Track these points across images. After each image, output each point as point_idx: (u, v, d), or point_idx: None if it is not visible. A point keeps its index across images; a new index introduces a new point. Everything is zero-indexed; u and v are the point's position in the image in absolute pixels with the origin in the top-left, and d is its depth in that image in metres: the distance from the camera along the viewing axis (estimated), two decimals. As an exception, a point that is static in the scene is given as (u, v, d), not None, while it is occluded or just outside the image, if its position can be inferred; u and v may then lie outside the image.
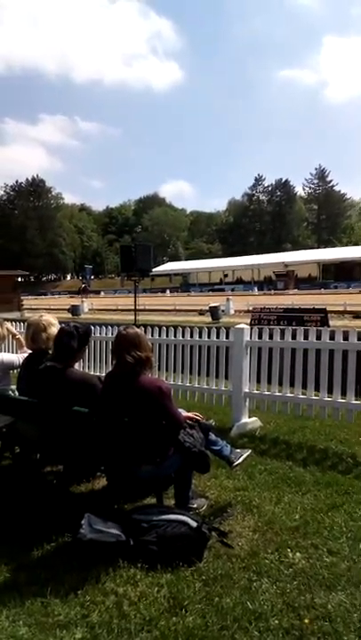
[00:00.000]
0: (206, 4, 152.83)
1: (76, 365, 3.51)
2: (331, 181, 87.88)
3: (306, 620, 2.13)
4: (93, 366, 6.92)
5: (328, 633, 2.06)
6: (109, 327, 6.82)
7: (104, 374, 3.68)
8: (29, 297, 45.14)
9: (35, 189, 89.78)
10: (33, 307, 28.94)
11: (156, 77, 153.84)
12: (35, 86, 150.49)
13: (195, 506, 3.20)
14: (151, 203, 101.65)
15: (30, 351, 3.84)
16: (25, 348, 4.09)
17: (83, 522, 2.66)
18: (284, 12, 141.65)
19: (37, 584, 2.43)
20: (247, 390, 5.20)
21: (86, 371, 6.62)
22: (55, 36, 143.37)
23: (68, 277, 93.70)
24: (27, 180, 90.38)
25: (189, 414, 3.29)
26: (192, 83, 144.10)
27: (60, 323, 3.69)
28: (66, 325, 3.40)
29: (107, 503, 3.28)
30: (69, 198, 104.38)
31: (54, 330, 3.60)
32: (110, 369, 3.28)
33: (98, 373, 6.36)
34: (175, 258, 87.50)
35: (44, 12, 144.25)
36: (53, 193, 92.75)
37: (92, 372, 6.54)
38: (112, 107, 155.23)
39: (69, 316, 21.81)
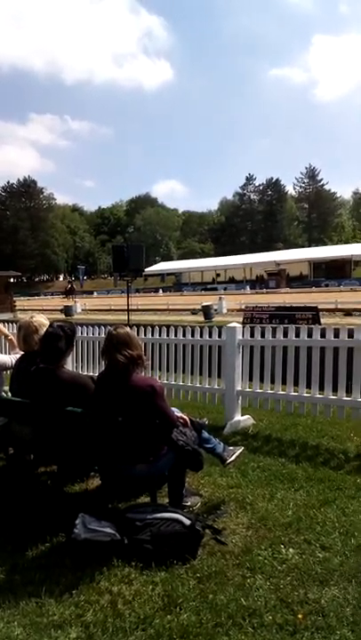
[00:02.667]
0: (197, 2, 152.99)
1: (69, 366, 3.51)
2: (321, 180, 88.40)
3: (299, 616, 2.15)
4: (86, 366, 6.91)
5: (321, 628, 2.08)
6: (102, 327, 6.81)
7: (97, 374, 3.67)
8: (22, 298, 44.96)
9: (26, 190, 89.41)
10: (26, 307, 28.84)
11: (146, 76, 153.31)
12: (23, 85, 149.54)
13: (189, 504, 3.21)
14: (143, 203, 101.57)
15: (22, 352, 3.83)
16: (17, 349, 4.08)
17: (77, 521, 2.66)
18: (274, 10, 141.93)
19: (32, 584, 2.43)
20: (240, 388, 5.22)
21: (79, 371, 6.62)
22: (43, 33, 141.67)
23: (61, 278, 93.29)
24: (18, 180, 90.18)
25: (182, 414, 3.30)
26: (183, 82, 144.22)
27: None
28: (50, 327, 3.38)
29: (101, 503, 3.28)
30: (61, 199, 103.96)
31: None
32: (103, 369, 3.28)
33: (90, 373, 6.35)
34: (168, 257, 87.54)
35: (31, 10, 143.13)
36: (45, 193, 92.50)
37: (84, 373, 6.53)
38: (103, 106, 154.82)
39: (62, 316, 21.72)
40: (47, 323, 3.69)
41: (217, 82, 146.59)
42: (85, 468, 3.66)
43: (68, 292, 42.85)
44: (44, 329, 3.57)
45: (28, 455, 3.89)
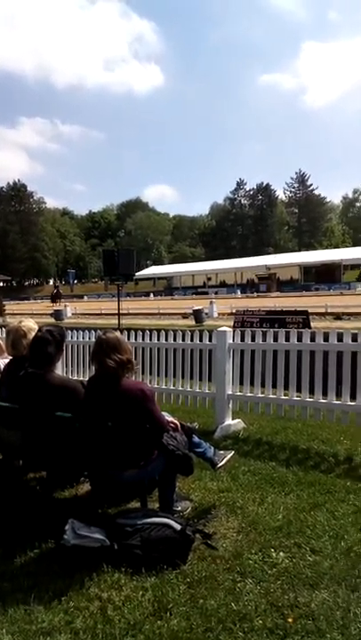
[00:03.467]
0: (188, 7, 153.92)
1: (59, 371, 3.49)
2: (311, 185, 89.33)
3: (290, 620, 2.14)
4: (77, 371, 6.88)
5: (312, 631, 2.08)
6: (92, 331, 6.79)
7: (86, 379, 3.66)
8: (12, 302, 44.62)
9: (16, 194, 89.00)
10: (15, 312, 28.61)
11: (137, 80, 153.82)
12: (13, 89, 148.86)
13: (179, 508, 3.20)
14: (134, 207, 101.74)
15: (11, 357, 3.80)
16: (5, 354, 4.05)
17: (66, 527, 2.64)
18: (265, 16, 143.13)
19: (20, 591, 2.40)
20: (230, 392, 5.23)
21: (69, 376, 6.58)
22: (33, 37, 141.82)
23: (51, 282, 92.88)
24: (8, 184, 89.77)
25: (172, 419, 3.29)
26: (174, 86, 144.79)
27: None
28: (39, 331, 3.36)
29: (91, 508, 3.26)
30: (51, 202, 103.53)
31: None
32: (92, 374, 3.27)
33: (80, 378, 6.33)
34: (159, 262, 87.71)
35: (22, 13, 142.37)
36: (35, 197, 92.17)
37: (74, 377, 6.50)
38: (93, 110, 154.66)
39: (52, 320, 21.62)
40: (36, 327, 3.67)
41: (208, 87, 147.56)
42: (75, 474, 3.63)
43: (55, 297, 40.48)
44: (33, 333, 3.55)
45: (16, 461, 3.85)
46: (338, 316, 18.13)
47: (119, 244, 77.64)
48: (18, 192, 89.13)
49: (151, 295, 52.43)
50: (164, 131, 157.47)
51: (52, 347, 3.23)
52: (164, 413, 3.20)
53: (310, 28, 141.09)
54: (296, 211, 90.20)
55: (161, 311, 25.62)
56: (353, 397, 4.48)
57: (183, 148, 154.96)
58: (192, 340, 5.73)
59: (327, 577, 2.46)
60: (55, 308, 27.25)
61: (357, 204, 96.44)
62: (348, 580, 2.43)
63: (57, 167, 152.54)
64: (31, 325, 3.73)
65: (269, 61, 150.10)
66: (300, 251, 75.67)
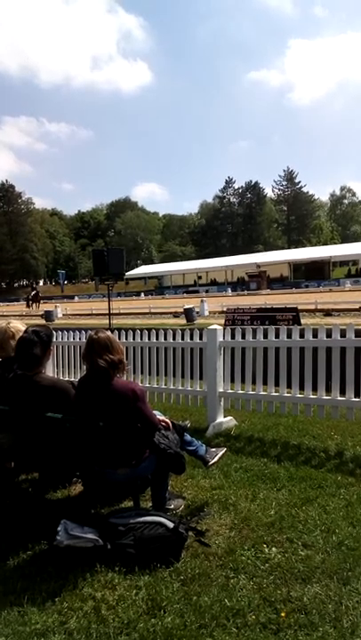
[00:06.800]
0: (176, 2, 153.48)
1: (50, 372, 3.47)
2: (299, 183, 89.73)
3: (282, 614, 2.16)
4: (67, 372, 6.86)
5: (304, 625, 2.10)
6: (82, 332, 6.77)
7: (77, 379, 3.65)
8: (1, 304, 44.29)
9: (4, 194, 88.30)
10: (5, 314, 28.42)
11: (125, 78, 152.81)
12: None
13: (172, 507, 3.21)
14: (123, 206, 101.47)
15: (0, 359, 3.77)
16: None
17: (59, 528, 2.64)
18: (252, 13, 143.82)
19: (14, 593, 2.40)
20: (222, 390, 5.25)
21: (59, 377, 6.56)
22: (16, 34, 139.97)
23: (41, 283, 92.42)
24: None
25: (164, 418, 3.30)
26: (162, 84, 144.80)
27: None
28: (25, 333, 3.34)
29: (83, 508, 3.25)
30: (40, 202, 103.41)
31: None
32: (84, 374, 3.26)
33: (72, 379, 6.31)
34: (149, 261, 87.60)
35: (3, 7, 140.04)
36: (24, 198, 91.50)
37: (65, 378, 6.48)
38: (80, 108, 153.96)
39: (43, 321, 21.49)
40: (24, 329, 3.65)
41: (195, 84, 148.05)
42: (67, 474, 3.62)
43: (33, 299, 36.32)
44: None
45: (8, 463, 3.84)
46: (327, 313, 18.24)
47: (109, 244, 77.32)
48: (6, 193, 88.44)
49: (142, 295, 52.34)
50: (153, 129, 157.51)
51: (37, 348, 3.21)
52: (155, 412, 3.20)
53: (297, 25, 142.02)
54: (285, 208, 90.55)
55: (152, 310, 25.60)
56: (342, 392, 4.52)
57: (172, 146, 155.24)
58: (183, 338, 5.73)
59: (319, 571, 2.49)
60: (46, 309, 27.04)
61: (345, 201, 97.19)
62: (339, 573, 2.46)
63: (45, 166, 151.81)
64: (19, 327, 3.71)
65: (256, 58, 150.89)
66: (289, 248, 76.10)
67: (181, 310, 19.75)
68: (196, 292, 48.84)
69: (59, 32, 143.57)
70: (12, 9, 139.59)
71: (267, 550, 2.69)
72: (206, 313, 21.00)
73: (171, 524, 2.69)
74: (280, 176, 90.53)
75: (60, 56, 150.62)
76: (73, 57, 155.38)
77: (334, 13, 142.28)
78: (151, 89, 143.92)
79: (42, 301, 38.37)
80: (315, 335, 4.74)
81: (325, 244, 76.70)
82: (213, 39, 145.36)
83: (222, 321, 13.88)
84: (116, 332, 6.10)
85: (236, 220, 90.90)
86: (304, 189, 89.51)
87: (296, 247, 75.42)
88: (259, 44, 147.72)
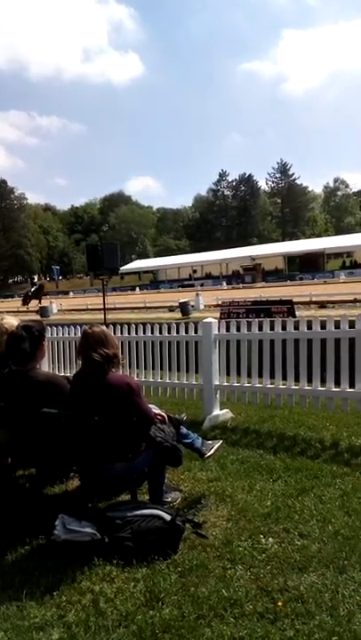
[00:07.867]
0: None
1: (45, 367, 3.46)
2: (293, 175, 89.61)
3: (279, 603, 2.18)
4: (63, 367, 6.84)
5: (301, 614, 2.11)
6: (77, 327, 6.75)
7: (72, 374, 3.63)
8: (-5, 300, 44.08)
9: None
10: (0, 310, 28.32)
11: (116, 70, 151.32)
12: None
13: (169, 499, 3.22)
14: (117, 200, 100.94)
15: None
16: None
17: (56, 523, 2.64)
18: (245, 3, 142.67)
19: (12, 588, 2.40)
20: (217, 383, 5.26)
21: (55, 372, 6.55)
22: (5, 25, 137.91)
23: (36, 278, 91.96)
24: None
25: (160, 411, 3.30)
26: (154, 76, 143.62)
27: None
28: (15, 329, 3.32)
29: (80, 503, 3.26)
30: (33, 198, 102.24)
31: None
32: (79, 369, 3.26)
33: (67, 374, 6.29)
34: (143, 255, 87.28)
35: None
36: (16, 193, 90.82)
37: (60, 373, 6.47)
38: (72, 102, 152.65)
39: (38, 317, 21.44)
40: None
41: (188, 76, 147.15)
42: (64, 469, 3.62)
43: (34, 295, 32.38)
44: (16, 331, 3.51)
45: (5, 459, 3.83)
46: (322, 305, 18.31)
47: (103, 239, 77.04)
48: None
49: (137, 289, 52.29)
50: (146, 121, 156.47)
51: (26, 343, 3.18)
52: (151, 406, 3.21)
53: (290, 15, 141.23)
54: (279, 201, 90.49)
55: (147, 305, 25.57)
56: (337, 383, 4.54)
57: (165, 138, 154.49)
58: (178, 332, 5.73)
59: (315, 560, 2.51)
60: (41, 305, 26.94)
61: (339, 193, 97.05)
62: (335, 562, 2.48)
63: (37, 161, 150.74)
64: (13, 322, 3.68)
65: (249, 49, 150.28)
66: (283, 241, 76.09)
67: (177, 304, 19.76)
68: (192, 285, 48.80)
69: (48, 23, 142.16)
70: (0, 1, 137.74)
71: (263, 541, 2.71)
72: (202, 306, 21.02)
73: (168, 517, 2.70)
74: (274, 168, 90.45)
75: (50, 48, 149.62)
76: (63, 49, 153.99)
77: (327, 3, 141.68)
78: (143, 81, 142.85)
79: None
80: (309, 327, 4.75)
81: (320, 236, 76.75)
82: (206, 30, 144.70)
83: (218, 314, 13.90)
84: (112, 326, 6.09)
85: (230, 214, 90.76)
86: (298, 181, 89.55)
87: (291, 240, 75.49)
88: (251, 34, 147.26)
